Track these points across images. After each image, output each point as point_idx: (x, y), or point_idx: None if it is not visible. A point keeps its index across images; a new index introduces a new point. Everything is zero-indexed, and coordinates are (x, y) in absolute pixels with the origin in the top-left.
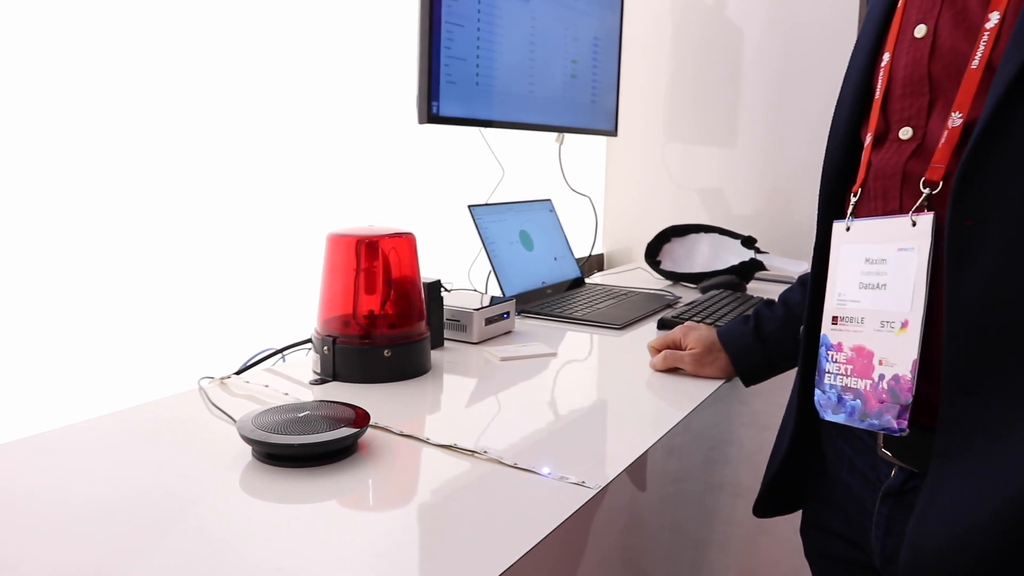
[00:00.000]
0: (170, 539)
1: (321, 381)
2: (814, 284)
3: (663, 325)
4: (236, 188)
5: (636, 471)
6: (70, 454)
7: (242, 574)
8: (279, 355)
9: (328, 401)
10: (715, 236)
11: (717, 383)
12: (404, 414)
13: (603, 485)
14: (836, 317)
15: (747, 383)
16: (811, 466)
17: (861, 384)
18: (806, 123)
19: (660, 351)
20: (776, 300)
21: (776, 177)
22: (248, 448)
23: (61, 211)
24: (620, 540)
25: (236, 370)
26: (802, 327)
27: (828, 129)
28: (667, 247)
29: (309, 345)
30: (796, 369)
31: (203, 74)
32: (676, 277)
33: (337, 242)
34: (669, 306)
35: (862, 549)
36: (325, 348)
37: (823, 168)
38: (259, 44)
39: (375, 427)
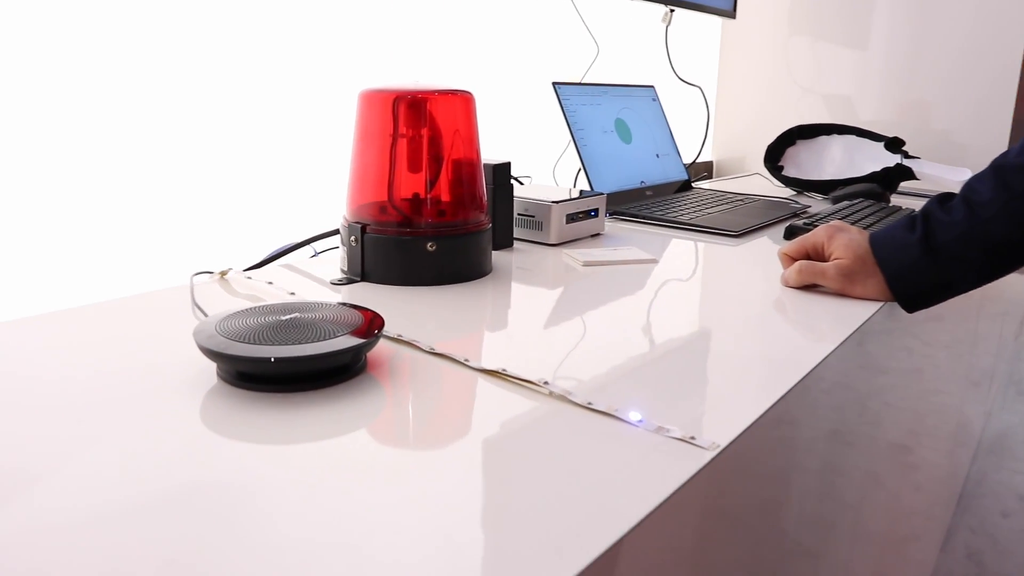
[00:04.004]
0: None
1: (348, 281)
2: None
3: (791, 234)
4: (267, 49)
5: (763, 426)
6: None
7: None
8: (307, 249)
9: (329, 303)
10: (850, 138)
11: (873, 307)
12: (444, 326)
13: (722, 446)
14: None
15: (910, 309)
16: None
17: None
18: (952, 29)
19: (796, 260)
20: (955, 196)
21: (914, 87)
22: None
23: (82, 84)
24: (742, 512)
25: (247, 266)
26: None
27: (979, 39)
28: (791, 151)
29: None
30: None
31: None
32: (802, 185)
33: (371, 100)
34: (796, 215)
35: None
36: (353, 239)
37: None
38: None
39: (396, 340)
